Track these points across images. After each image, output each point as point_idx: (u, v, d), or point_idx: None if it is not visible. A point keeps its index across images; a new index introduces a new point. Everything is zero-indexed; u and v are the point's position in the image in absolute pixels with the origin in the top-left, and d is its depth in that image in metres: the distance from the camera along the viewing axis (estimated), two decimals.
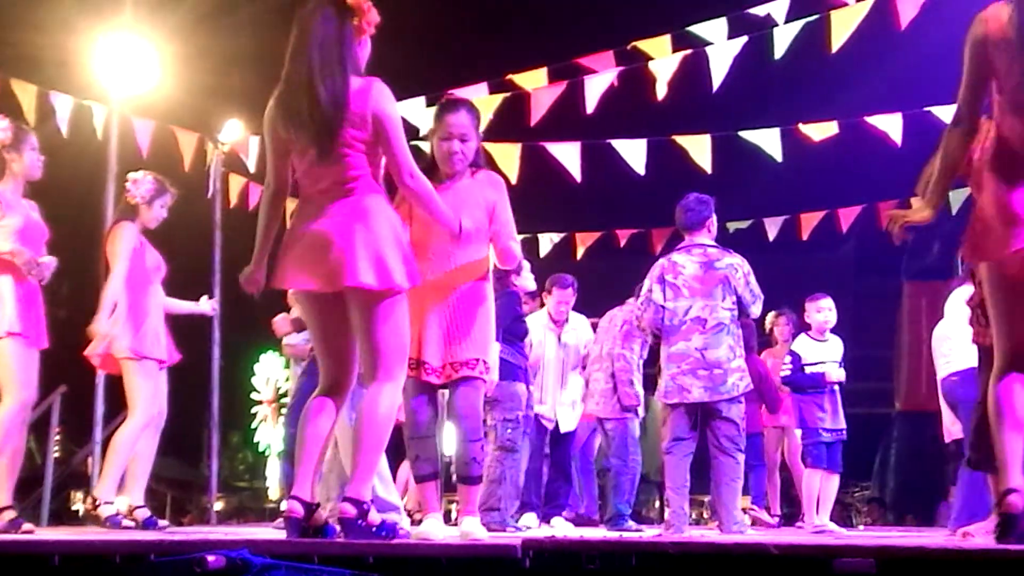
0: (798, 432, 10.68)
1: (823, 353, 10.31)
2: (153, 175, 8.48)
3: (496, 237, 6.27)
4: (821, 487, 10.11)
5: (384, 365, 5.36)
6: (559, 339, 10.66)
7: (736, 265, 8.38)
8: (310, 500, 5.30)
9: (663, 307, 8.42)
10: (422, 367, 6.10)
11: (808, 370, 10.19)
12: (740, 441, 8.37)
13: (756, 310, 8.49)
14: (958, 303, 9.20)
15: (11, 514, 7.07)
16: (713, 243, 8.52)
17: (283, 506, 6.45)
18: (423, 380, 6.13)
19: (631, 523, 10.06)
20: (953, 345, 9.02)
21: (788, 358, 10.45)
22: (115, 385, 8.62)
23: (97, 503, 7.99)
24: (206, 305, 8.93)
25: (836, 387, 10.28)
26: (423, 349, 6.09)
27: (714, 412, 8.30)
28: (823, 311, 10.39)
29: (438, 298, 6.06)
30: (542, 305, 10.97)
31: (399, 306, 5.36)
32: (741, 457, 8.39)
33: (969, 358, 8.86)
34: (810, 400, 10.26)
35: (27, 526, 7.00)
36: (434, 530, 5.84)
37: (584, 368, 10.69)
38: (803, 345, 10.47)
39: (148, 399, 8.09)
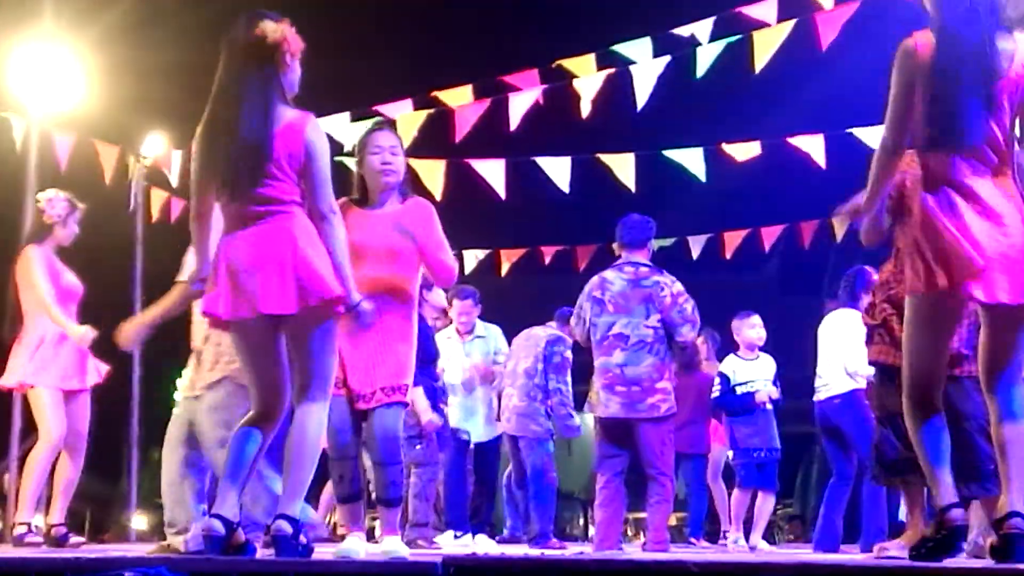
0: (727, 452, 10.75)
1: (754, 372, 10.35)
2: (65, 193, 8.43)
3: (424, 254, 6.25)
4: (755, 506, 10.14)
5: (318, 385, 5.35)
6: (464, 350, 10.59)
7: (664, 284, 8.27)
8: (231, 519, 5.25)
9: (589, 322, 8.43)
10: (349, 390, 6.09)
11: (740, 390, 10.26)
12: (661, 463, 8.26)
13: (686, 332, 8.28)
14: (830, 329, 9.34)
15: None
16: (647, 263, 8.47)
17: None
18: (347, 401, 6.11)
19: (554, 540, 10.04)
20: (829, 370, 9.19)
21: (717, 380, 10.45)
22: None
23: (13, 524, 7.98)
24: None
25: (769, 406, 10.33)
26: (349, 373, 6.09)
27: (635, 431, 8.26)
28: (756, 327, 10.41)
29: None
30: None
31: (334, 325, 5.37)
32: (666, 480, 8.28)
33: (846, 381, 9.08)
34: (741, 421, 10.35)
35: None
36: (356, 547, 5.81)
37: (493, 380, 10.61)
38: (733, 365, 10.49)
39: (52, 422, 8.05)
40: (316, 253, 5.25)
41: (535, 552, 7.99)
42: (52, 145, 12.61)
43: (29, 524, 8.01)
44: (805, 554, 8.47)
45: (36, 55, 12.66)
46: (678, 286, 8.33)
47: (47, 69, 12.64)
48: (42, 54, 12.69)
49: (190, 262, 6.08)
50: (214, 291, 5.26)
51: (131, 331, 6.31)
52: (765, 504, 10.29)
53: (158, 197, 14.51)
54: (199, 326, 6.58)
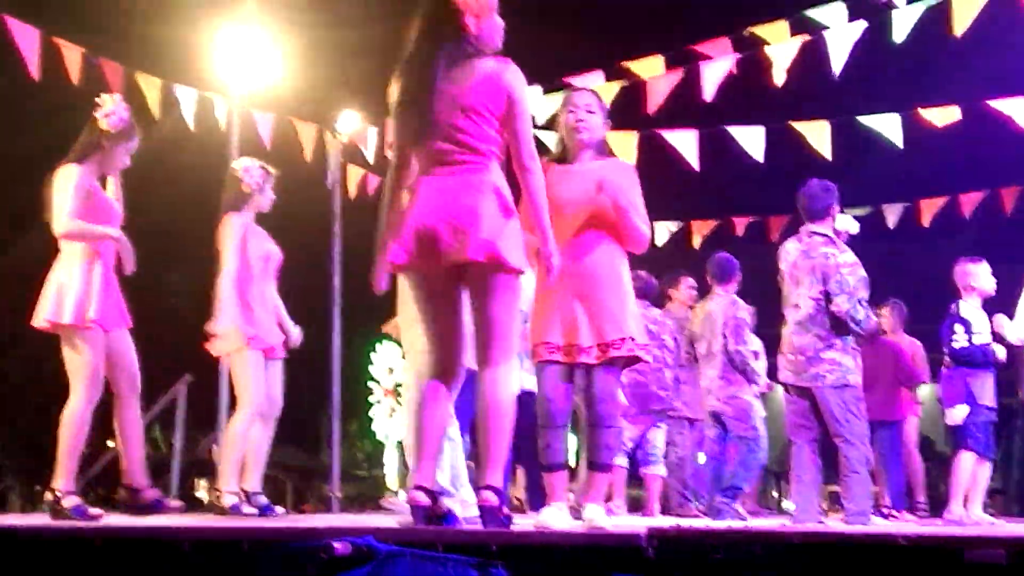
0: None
1: (985, 323, 9.79)
2: (259, 161, 8.57)
3: (618, 213, 6.23)
4: (975, 475, 9.74)
5: (499, 346, 5.44)
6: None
7: (831, 254, 8.17)
8: (433, 488, 5.35)
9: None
10: (573, 350, 6.11)
11: (975, 340, 9.65)
12: (847, 429, 8.01)
13: (840, 302, 8.12)
14: None
15: (74, 500, 6.98)
16: (824, 233, 8.35)
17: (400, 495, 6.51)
18: (565, 366, 6.15)
19: (740, 508, 9.97)
20: None
21: (960, 327, 9.71)
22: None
23: (219, 493, 8.08)
24: (294, 331, 8.88)
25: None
26: (571, 332, 6.11)
27: (817, 397, 8.16)
28: (988, 275, 9.83)
29: (576, 281, 6.04)
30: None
31: (515, 285, 5.44)
32: (851, 449, 8.09)
33: None
34: (982, 374, 9.69)
35: (93, 511, 7.02)
36: (553, 519, 5.82)
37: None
38: (972, 313, 9.79)
39: (253, 389, 8.14)
40: (505, 209, 5.35)
41: (738, 524, 7.94)
42: (253, 124, 12.94)
43: (238, 493, 8.12)
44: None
45: (237, 37, 13.00)
46: (846, 256, 8.20)
47: (247, 50, 12.96)
48: (242, 36, 13.02)
49: None
50: (400, 238, 5.38)
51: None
52: (984, 471, 9.73)
53: (355, 173, 14.78)
54: None
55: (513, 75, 5.42)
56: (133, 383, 7.34)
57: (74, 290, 7.03)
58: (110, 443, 13.85)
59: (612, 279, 6.18)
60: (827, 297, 8.12)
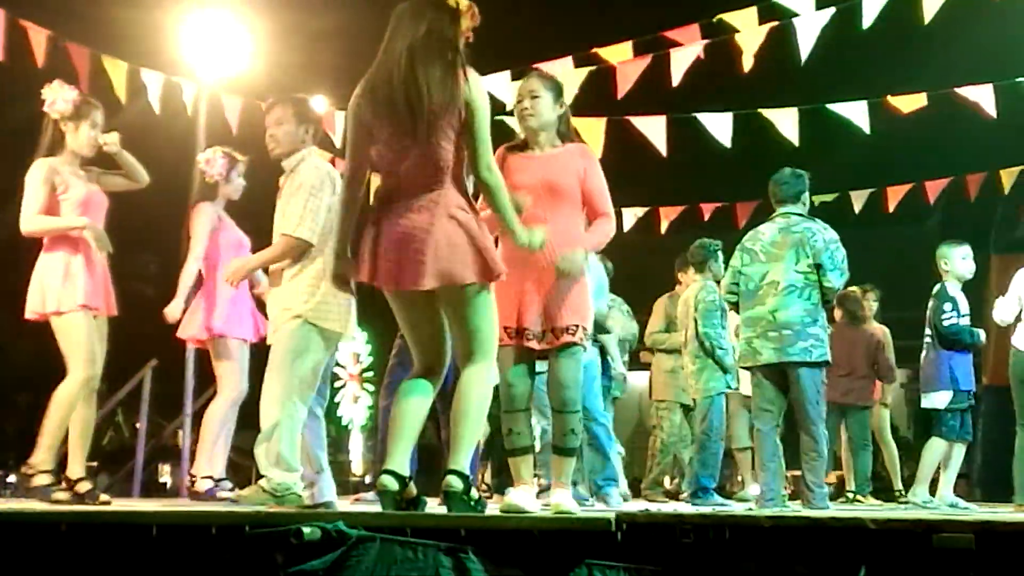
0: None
1: (968, 306, 9.78)
2: (223, 149, 8.55)
3: (591, 208, 6.31)
4: (946, 459, 9.76)
5: (481, 348, 5.52)
6: None
7: (815, 229, 8.26)
8: (404, 474, 5.36)
9: (740, 272, 8.41)
10: (522, 335, 6.12)
11: (962, 323, 9.61)
12: (816, 411, 8.14)
13: (834, 279, 8.19)
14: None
15: (86, 485, 7.12)
16: (799, 212, 8.43)
17: (367, 480, 6.51)
18: (522, 350, 6.15)
19: (716, 497, 10.04)
20: None
21: (948, 305, 9.66)
22: (204, 359, 8.69)
23: (194, 479, 8.09)
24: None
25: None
26: (523, 317, 6.12)
27: (791, 377, 8.20)
28: (968, 258, 9.83)
29: (535, 266, 6.04)
30: None
31: (484, 291, 5.49)
32: (818, 431, 8.17)
33: None
34: (961, 358, 9.69)
35: (103, 497, 7.05)
36: (523, 502, 5.79)
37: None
38: (955, 292, 9.76)
39: (233, 376, 8.16)
40: (469, 229, 5.37)
41: (706, 509, 7.97)
42: (221, 108, 12.88)
43: (213, 477, 8.13)
44: (992, 512, 8.23)
45: (205, 21, 12.93)
46: (830, 233, 8.30)
47: (215, 34, 12.90)
48: (211, 20, 12.96)
49: (306, 219, 6.28)
50: (367, 261, 5.40)
51: (239, 271, 6.80)
52: (957, 454, 9.76)
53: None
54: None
55: (475, 85, 5.42)
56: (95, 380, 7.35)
57: (56, 278, 7.13)
58: None
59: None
60: (817, 271, 8.16)
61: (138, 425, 13.23)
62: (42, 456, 7.03)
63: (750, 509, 7.95)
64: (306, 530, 4.56)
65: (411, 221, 5.33)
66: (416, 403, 5.53)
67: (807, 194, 8.57)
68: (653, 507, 7.75)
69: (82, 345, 7.11)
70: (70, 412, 7.09)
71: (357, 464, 42.45)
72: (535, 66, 11.88)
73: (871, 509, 9.65)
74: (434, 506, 5.63)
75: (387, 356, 9.02)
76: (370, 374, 40.61)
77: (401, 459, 5.41)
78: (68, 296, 7.10)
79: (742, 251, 8.49)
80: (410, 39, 5.38)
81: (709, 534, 4.78)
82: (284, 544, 4.57)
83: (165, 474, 32.96)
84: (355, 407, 41.96)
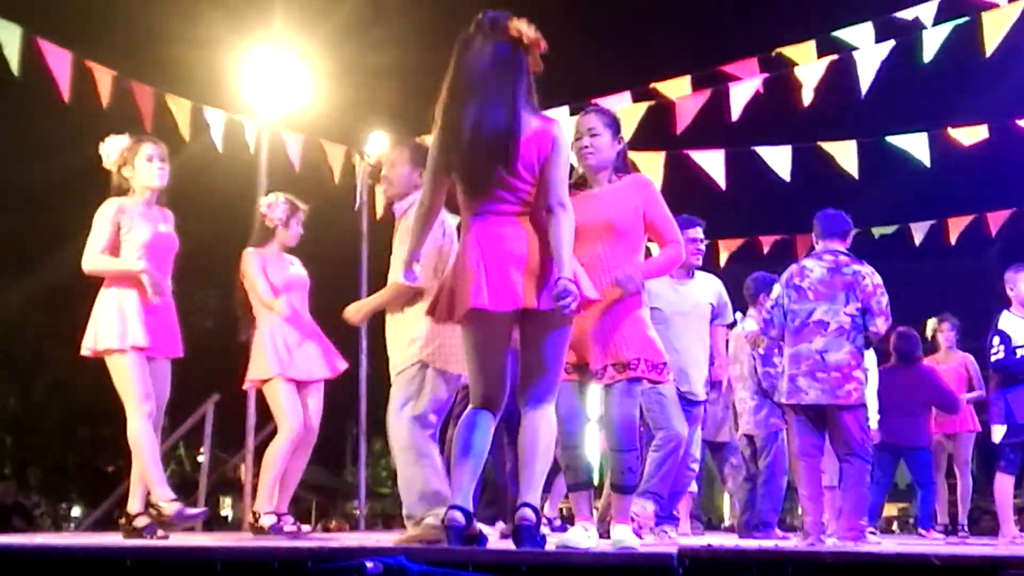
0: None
1: None
2: (285, 196, 8.60)
3: (657, 240, 6.34)
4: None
5: (548, 386, 5.55)
6: None
7: (864, 273, 8.25)
8: (470, 509, 5.38)
9: (786, 309, 8.40)
10: (581, 371, 6.16)
11: (1020, 352, 9.39)
12: (859, 447, 8.11)
13: (880, 324, 8.17)
14: None
15: (144, 520, 7.16)
16: (846, 252, 8.43)
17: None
18: (579, 386, 6.19)
19: (777, 531, 9.98)
20: None
21: (996, 339, 9.49)
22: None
23: (257, 516, 8.12)
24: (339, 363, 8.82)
25: None
26: (584, 352, 6.14)
27: (832, 417, 8.20)
28: None
29: (592, 305, 5.95)
30: None
31: (570, 329, 5.56)
32: (860, 465, 8.09)
33: None
34: (1018, 392, 9.40)
35: (160, 532, 7.10)
36: (578, 538, 5.79)
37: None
38: (1012, 324, 9.55)
39: (289, 415, 8.18)
40: (546, 251, 5.40)
41: (768, 544, 7.92)
42: (282, 145, 13.00)
43: (279, 515, 8.16)
44: None
45: (266, 59, 13.06)
46: (877, 277, 8.29)
47: (276, 72, 13.01)
48: (272, 58, 13.08)
49: (397, 263, 6.35)
50: (474, 286, 5.35)
51: (358, 314, 6.92)
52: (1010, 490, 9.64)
53: (382, 195, 14.78)
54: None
55: (559, 131, 5.49)
56: (155, 416, 7.38)
57: (110, 318, 7.20)
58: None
59: (629, 299, 6.20)
60: (863, 315, 8.17)
61: (200, 459, 13.28)
62: (159, 491, 7.15)
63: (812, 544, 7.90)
64: (368, 565, 4.58)
65: (516, 247, 5.37)
66: (481, 436, 5.54)
67: (851, 233, 8.62)
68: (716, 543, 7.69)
69: (135, 385, 7.17)
70: (150, 442, 7.19)
71: None
72: (593, 101, 11.95)
73: (932, 544, 9.55)
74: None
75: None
76: None
77: (467, 493, 5.43)
78: (119, 336, 7.17)
79: (788, 288, 8.46)
80: (482, 73, 5.43)
81: (772, 570, 4.75)
82: None
83: (226, 507, 33.15)
84: None
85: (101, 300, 7.31)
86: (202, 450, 13.18)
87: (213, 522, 23.64)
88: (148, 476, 7.18)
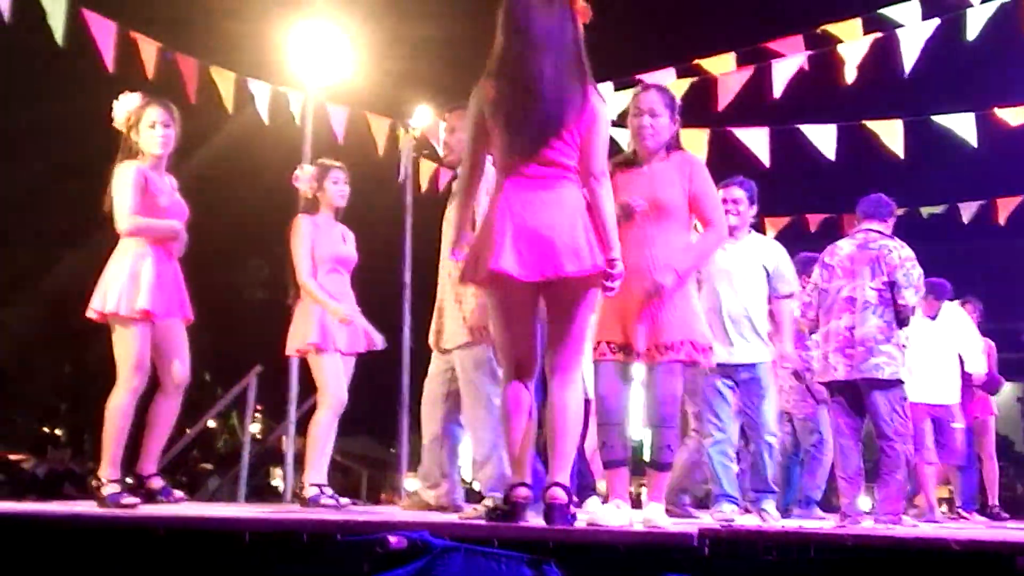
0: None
1: None
2: (312, 165, 8.52)
3: (694, 206, 6.31)
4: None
5: (578, 353, 5.57)
6: None
7: (891, 247, 8.27)
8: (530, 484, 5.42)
9: (819, 287, 8.40)
10: (626, 350, 6.16)
11: None
12: (892, 429, 8.08)
13: (909, 296, 8.16)
14: None
15: (159, 482, 7.21)
16: (878, 229, 8.41)
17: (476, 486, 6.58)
18: (620, 364, 6.20)
19: (819, 510, 9.98)
20: None
21: None
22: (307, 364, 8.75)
23: (303, 487, 8.16)
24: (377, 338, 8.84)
25: None
26: (628, 332, 6.15)
27: (864, 396, 8.18)
28: None
29: (640, 281, 6.03)
30: None
31: (597, 294, 5.56)
32: (900, 445, 8.10)
33: None
34: None
35: (178, 494, 7.11)
36: (608, 515, 5.81)
37: None
38: None
39: (332, 387, 8.18)
40: (594, 222, 5.41)
41: (792, 524, 7.93)
42: (327, 118, 13.05)
43: (320, 486, 8.18)
44: None
45: (311, 32, 13.11)
46: (907, 251, 8.29)
47: (321, 45, 13.07)
48: (316, 31, 13.14)
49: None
50: (497, 248, 5.35)
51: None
52: None
53: (427, 168, 14.86)
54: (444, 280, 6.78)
55: (601, 101, 5.51)
56: (177, 376, 7.40)
57: (120, 281, 7.12)
58: (188, 430, 14.09)
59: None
60: (891, 288, 8.15)
61: (244, 430, 13.40)
62: (106, 469, 7.03)
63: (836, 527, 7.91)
64: (392, 539, 4.62)
65: (550, 213, 5.37)
66: (523, 411, 5.57)
67: (892, 218, 8.57)
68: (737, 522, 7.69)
69: (132, 353, 7.10)
70: (124, 420, 7.10)
71: (466, 470, 42.64)
72: (638, 76, 11.93)
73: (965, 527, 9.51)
74: None
75: None
76: None
77: (527, 470, 5.48)
78: (128, 301, 7.09)
79: (821, 267, 8.47)
80: (543, 40, 5.44)
81: (793, 551, 4.76)
82: (371, 553, 4.63)
83: (277, 477, 33.37)
84: None
85: (114, 262, 7.21)
86: (246, 420, 13.28)
87: (265, 492, 23.80)
88: (105, 449, 7.08)
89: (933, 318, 10.80)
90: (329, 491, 8.31)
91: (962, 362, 11.24)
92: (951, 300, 11.35)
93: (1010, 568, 4.46)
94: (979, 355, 11.47)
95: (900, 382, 8.20)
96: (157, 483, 7.25)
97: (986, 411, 12.11)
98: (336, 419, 8.22)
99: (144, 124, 7.32)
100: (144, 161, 7.32)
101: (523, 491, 5.38)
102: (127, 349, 7.13)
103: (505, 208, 5.41)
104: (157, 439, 7.44)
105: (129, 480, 7.34)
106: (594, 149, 5.44)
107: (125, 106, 7.39)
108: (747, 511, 8.70)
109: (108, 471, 7.04)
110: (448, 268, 6.93)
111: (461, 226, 5.81)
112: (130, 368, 7.11)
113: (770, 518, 8.18)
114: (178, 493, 7.15)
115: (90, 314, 7.23)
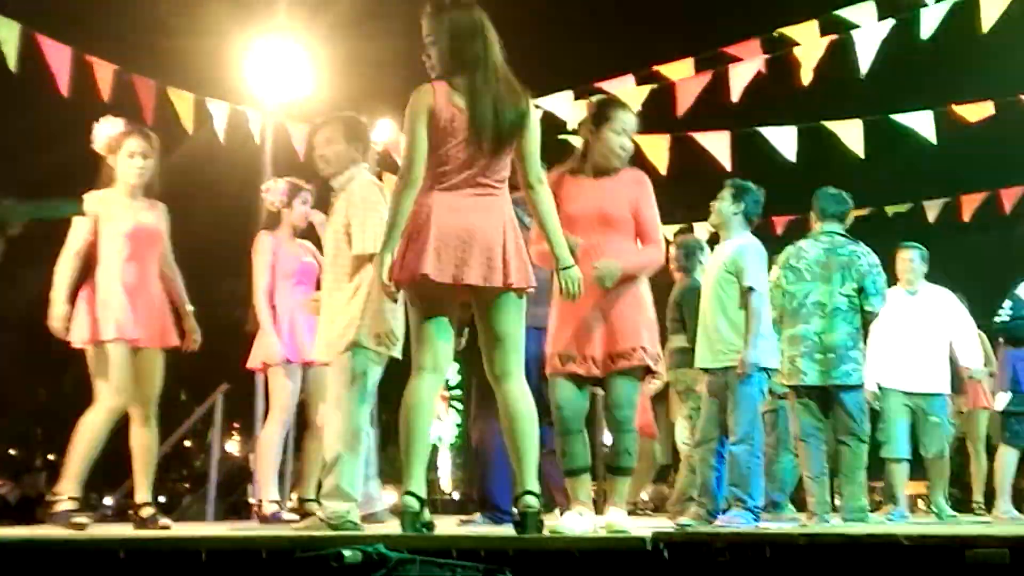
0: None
1: None
2: (285, 179, 8.57)
3: (641, 237, 6.37)
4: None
5: (518, 357, 5.55)
6: None
7: (860, 253, 8.39)
8: (423, 495, 5.40)
9: (784, 290, 8.42)
10: (581, 361, 6.18)
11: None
12: (860, 428, 8.25)
13: (876, 303, 8.32)
14: None
15: (149, 510, 7.19)
16: (843, 233, 8.48)
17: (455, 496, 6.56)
18: (576, 375, 6.21)
19: (789, 510, 9.97)
20: None
21: (1007, 302, 9.40)
22: None
23: (259, 503, 8.15)
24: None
25: None
26: (580, 344, 6.19)
27: (832, 398, 8.25)
28: None
29: (591, 293, 6.02)
30: None
31: (524, 302, 5.56)
32: (861, 448, 8.24)
33: None
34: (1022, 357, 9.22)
35: (163, 522, 7.10)
36: (571, 522, 5.85)
37: None
38: None
39: (284, 400, 8.17)
40: (520, 237, 5.43)
41: (749, 527, 7.93)
42: (287, 136, 13.03)
43: (278, 501, 8.17)
44: None
45: (269, 49, 13.10)
46: (874, 257, 8.44)
47: (280, 63, 13.06)
48: (275, 49, 13.13)
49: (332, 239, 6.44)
50: (419, 252, 5.34)
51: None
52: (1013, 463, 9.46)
53: (388, 181, 14.82)
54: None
55: (530, 105, 5.55)
56: (146, 403, 7.37)
57: (91, 308, 7.16)
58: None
59: (625, 288, 6.23)
60: (859, 294, 8.21)
61: (210, 448, 13.37)
62: (67, 484, 7.05)
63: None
64: (347, 553, 4.62)
65: (476, 221, 5.38)
66: (429, 418, 5.59)
67: (850, 214, 8.65)
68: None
69: (110, 375, 7.09)
70: (95, 440, 7.11)
71: (446, 482, 42.55)
72: (597, 84, 11.96)
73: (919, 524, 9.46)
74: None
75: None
76: (458, 392, 40.69)
77: (422, 478, 5.47)
78: (101, 326, 7.11)
79: (786, 268, 8.49)
80: (488, 51, 5.51)
81: (747, 552, 4.78)
82: (326, 567, 4.64)
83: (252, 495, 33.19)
84: (443, 425, 42.08)
85: (84, 291, 7.23)
86: (212, 439, 13.23)
87: (241, 511, 23.67)
88: (70, 465, 7.10)
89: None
90: (290, 506, 8.32)
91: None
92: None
93: (959, 561, 4.48)
94: (976, 346, 10.81)
95: (862, 386, 8.40)
96: (147, 512, 7.22)
97: (977, 403, 12.03)
98: (283, 430, 8.22)
99: (123, 153, 7.35)
100: (116, 188, 7.34)
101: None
102: (107, 371, 7.11)
103: (434, 216, 5.38)
104: (145, 466, 7.40)
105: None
106: (530, 155, 5.51)
107: (107, 131, 7.40)
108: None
109: (66, 486, 7.06)
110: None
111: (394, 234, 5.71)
112: (110, 390, 7.12)
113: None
114: (164, 520, 7.13)
115: (77, 344, 7.22)
